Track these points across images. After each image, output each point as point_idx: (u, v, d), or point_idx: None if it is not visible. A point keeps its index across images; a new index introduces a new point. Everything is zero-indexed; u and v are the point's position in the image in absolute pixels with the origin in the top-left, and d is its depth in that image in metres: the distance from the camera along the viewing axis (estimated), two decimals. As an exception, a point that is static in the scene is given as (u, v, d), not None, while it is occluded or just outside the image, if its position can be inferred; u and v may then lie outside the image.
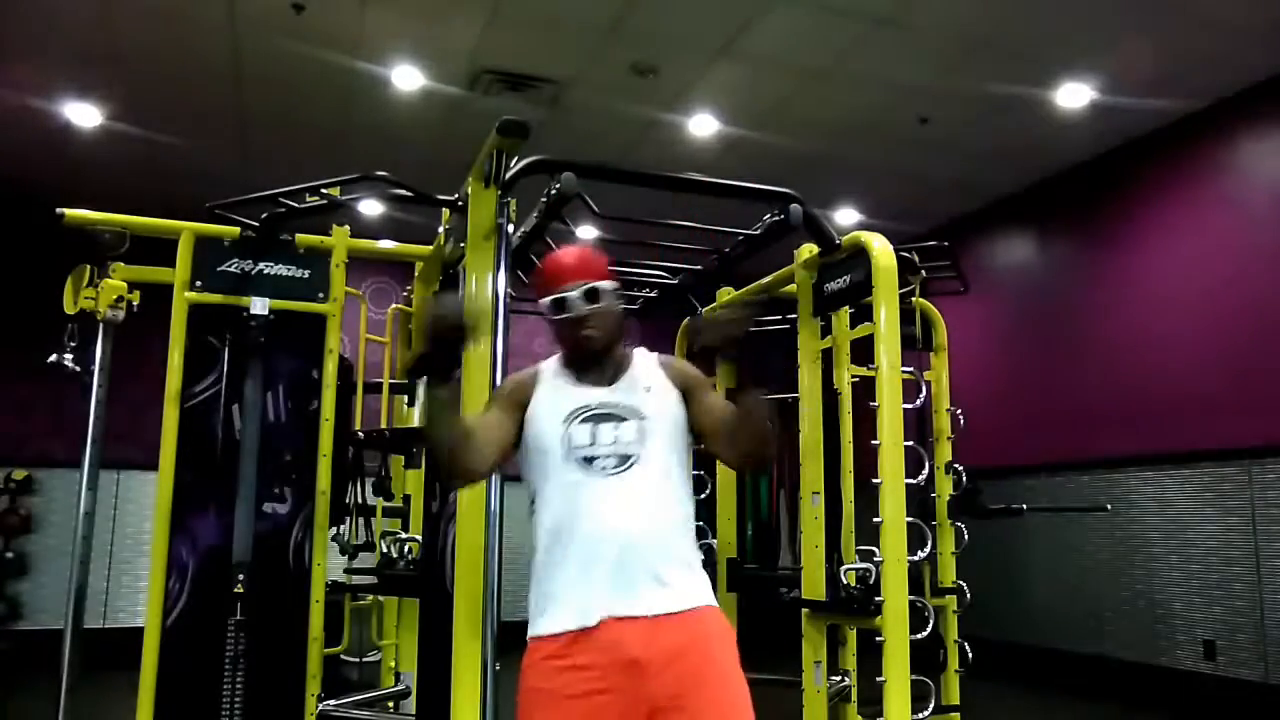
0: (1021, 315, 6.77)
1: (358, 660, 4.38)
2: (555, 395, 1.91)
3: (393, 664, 3.86)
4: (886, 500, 2.91)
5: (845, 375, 3.57)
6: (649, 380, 1.93)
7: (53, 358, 3.54)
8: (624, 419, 1.85)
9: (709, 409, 1.93)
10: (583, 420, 1.85)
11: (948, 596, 3.91)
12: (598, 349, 1.91)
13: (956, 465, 4.02)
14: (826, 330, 3.57)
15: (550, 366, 1.99)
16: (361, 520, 3.92)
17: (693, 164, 6.04)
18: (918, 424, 3.91)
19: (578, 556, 1.76)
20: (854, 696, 3.56)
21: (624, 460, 1.81)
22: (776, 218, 3.04)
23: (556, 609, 1.76)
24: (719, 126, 5.85)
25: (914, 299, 3.78)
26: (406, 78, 5.27)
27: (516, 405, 1.93)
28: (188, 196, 4.70)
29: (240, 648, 3.07)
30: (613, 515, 1.77)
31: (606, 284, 1.92)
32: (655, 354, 2.02)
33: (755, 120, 5.76)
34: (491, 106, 5.35)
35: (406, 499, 3.76)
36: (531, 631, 1.80)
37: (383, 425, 3.90)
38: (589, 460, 1.81)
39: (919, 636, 3.28)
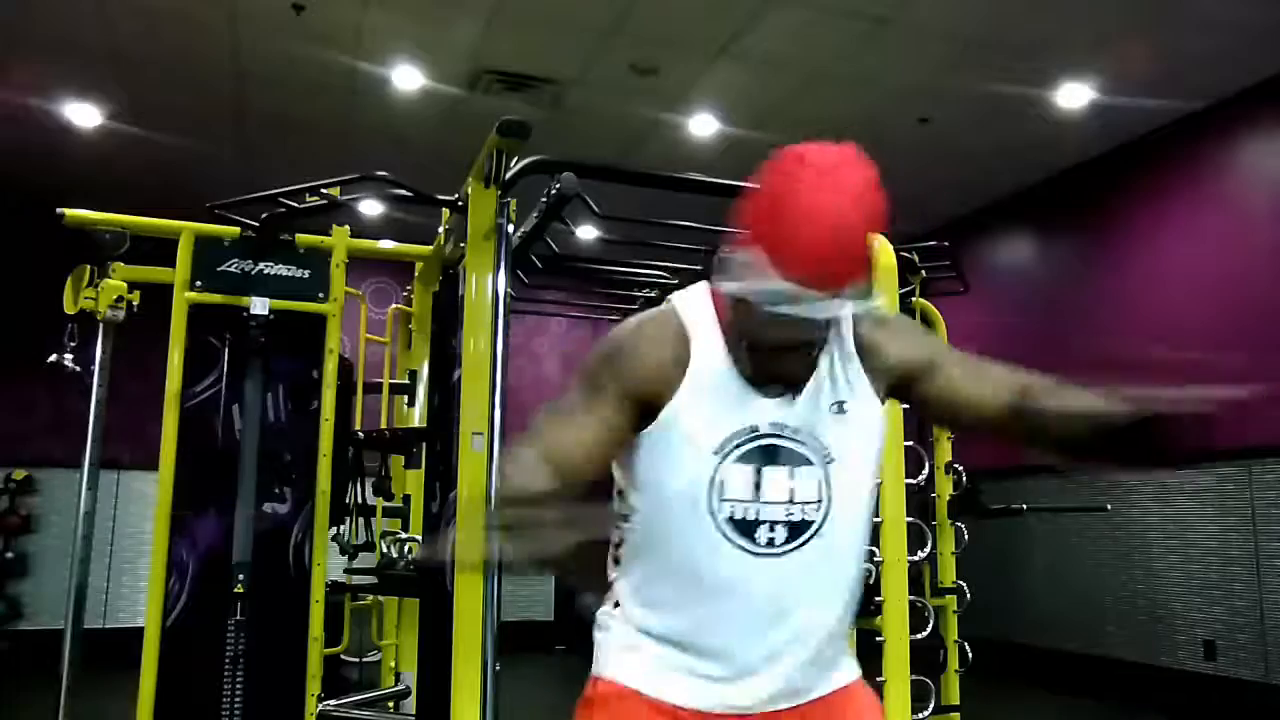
0: (1021, 315, 6.77)
1: (358, 660, 4.38)
2: (710, 402, 1.21)
3: (393, 664, 3.86)
4: (886, 500, 2.91)
5: (845, 375, 3.56)
6: (845, 386, 1.25)
7: (53, 358, 3.54)
8: (805, 462, 1.22)
9: (962, 384, 1.25)
10: (742, 456, 1.20)
11: (948, 596, 3.91)
12: (797, 380, 1.22)
13: (956, 465, 4.02)
14: (827, 330, 3.56)
15: (705, 336, 1.24)
16: (361, 520, 3.92)
17: (693, 164, 6.03)
18: (918, 424, 3.91)
19: (706, 638, 1.23)
20: (854, 696, 3.55)
21: (798, 532, 1.21)
22: (777, 218, 3.03)
23: (659, 667, 1.25)
24: (719, 126, 5.84)
25: (914, 299, 3.78)
26: (406, 78, 5.27)
27: (638, 403, 1.22)
28: (188, 196, 4.70)
29: (240, 648, 3.07)
30: (771, 610, 1.21)
31: (873, 296, 1.19)
32: (861, 321, 1.28)
33: (755, 120, 5.75)
34: (491, 106, 5.35)
35: (406, 499, 3.75)
36: (609, 671, 1.28)
37: (383, 425, 3.90)
38: (744, 527, 1.20)
39: (919, 636, 3.28)
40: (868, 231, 1.14)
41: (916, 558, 3.56)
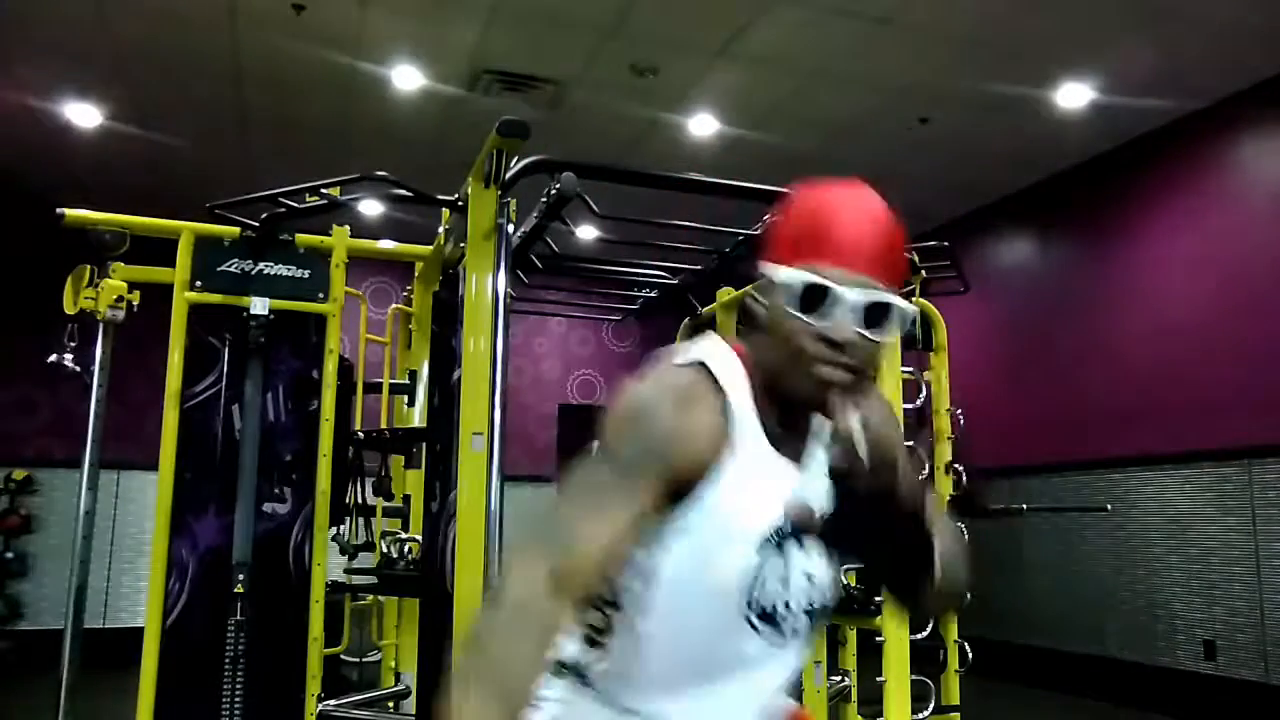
0: (1021, 315, 6.77)
1: (358, 660, 4.38)
2: (755, 479, 1.07)
3: (393, 664, 3.86)
4: (886, 500, 2.90)
5: (845, 375, 3.56)
6: (822, 450, 1.13)
7: (53, 358, 3.55)
8: (813, 541, 1.11)
9: (908, 503, 1.05)
10: (779, 542, 1.08)
11: (948, 596, 3.90)
12: (824, 409, 1.05)
13: (956, 465, 4.02)
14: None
15: (740, 400, 1.09)
16: (361, 520, 3.92)
17: (693, 164, 6.04)
18: (918, 424, 3.92)
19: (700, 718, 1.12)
20: (854, 696, 3.56)
21: (812, 618, 1.13)
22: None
23: None
24: (719, 126, 5.84)
25: (914, 299, 3.78)
26: (406, 78, 5.27)
27: (674, 485, 1.03)
28: (188, 196, 4.71)
29: (240, 648, 3.06)
30: (743, 700, 1.13)
31: (901, 302, 1.06)
32: (863, 411, 1.06)
33: (755, 120, 5.75)
34: (491, 106, 5.35)
35: (406, 499, 3.76)
36: None
37: (383, 425, 3.90)
38: (771, 618, 1.09)
39: (919, 636, 3.29)
40: (900, 245, 1.09)
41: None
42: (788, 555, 1.08)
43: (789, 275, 1.04)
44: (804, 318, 1.03)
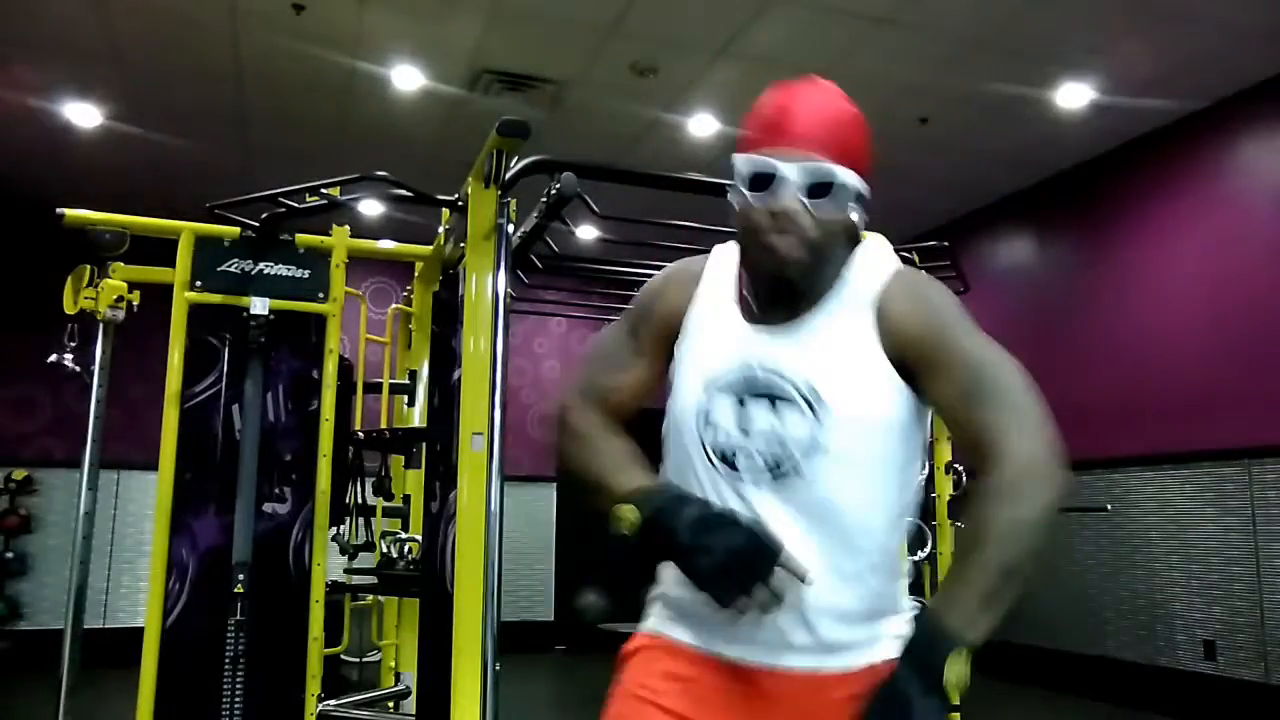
0: (1021, 315, 6.77)
1: (358, 660, 4.38)
2: (711, 332, 1.28)
3: (393, 664, 3.86)
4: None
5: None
6: (849, 336, 1.21)
7: (53, 358, 3.55)
8: (790, 400, 1.19)
9: (949, 411, 1.19)
10: (727, 387, 1.23)
11: (948, 596, 3.90)
12: (786, 278, 1.21)
13: (956, 465, 4.02)
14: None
15: (722, 267, 1.33)
16: (361, 520, 3.92)
17: (693, 164, 6.04)
18: (918, 424, 3.91)
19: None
20: (854, 696, 3.55)
21: (779, 469, 1.19)
22: (777, 218, 3.04)
23: (676, 611, 1.29)
24: (719, 126, 5.84)
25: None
26: (406, 78, 5.27)
27: (663, 340, 1.33)
28: (188, 196, 4.72)
29: (240, 648, 3.07)
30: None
31: (845, 174, 1.19)
32: (891, 266, 1.26)
33: (755, 120, 5.75)
34: (491, 106, 5.35)
35: (406, 499, 3.76)
36: (640, 626, 1.34)
37: (383, 425, 3.90)
38: (727, 456, 1.22)
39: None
40: (832, 124, 1.22)
41: (917, 558, 3.57)
42: (749, 408, 1.21)
43: (739, 160, 1.22)
44: (749, 196, 1.20)
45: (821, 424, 1.17)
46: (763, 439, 1.19)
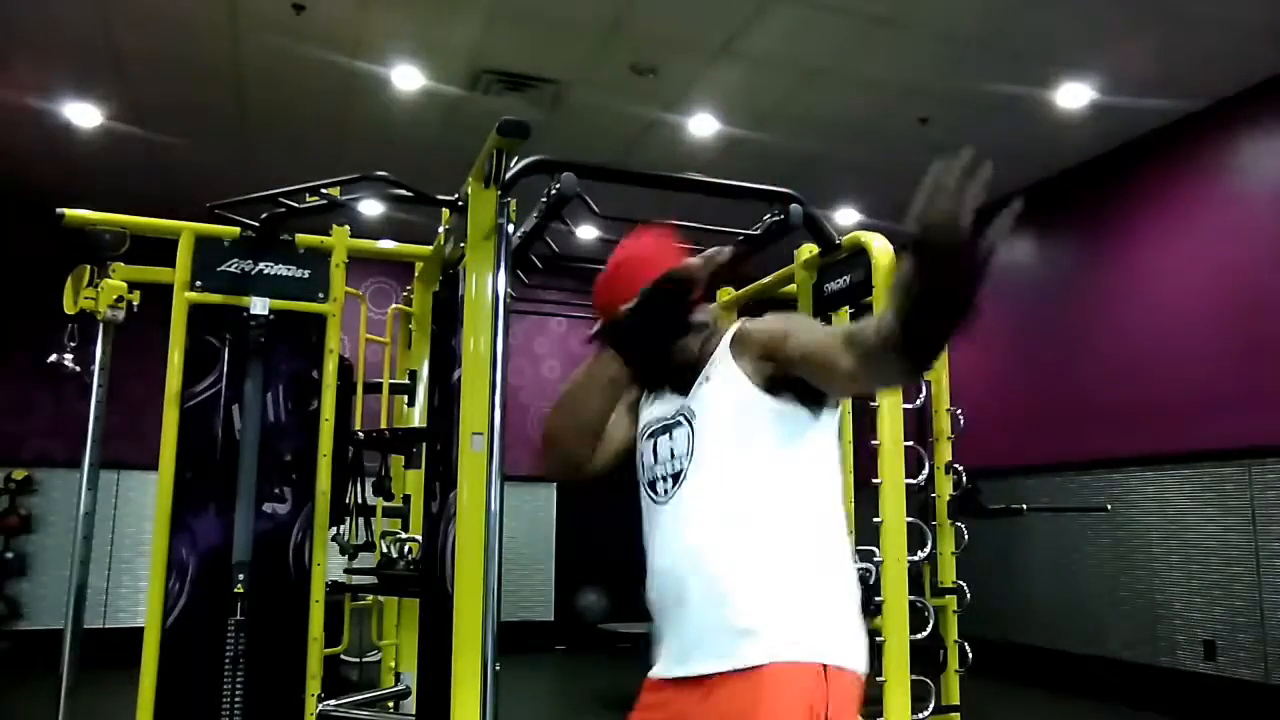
0: (1021, 315, 6.77)
1: (358, 660, 4.38)
2: (649, 402, 1.69)
3: (393, 664, 3.86)
4: (886, 500, 2.91)
5: (845, 375, 3.55)
6: (713, 372, 1.56)
7: (53, 358, 3.55)
8: (678, 425, 1.57)
9: (805, 349, 1.42)
10: (650, 434, 1.62)
11: (948, 596, 3.90)
12: (650, 371, 1.66)
13: (956, 465, 4.02)
14: (827, 330, 3.56)
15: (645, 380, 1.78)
16: (361, 520, 3.92)
17: (693, 164, 6.04)
18: (918, 424, 3.91)
19: (652, 601, 1.57)
20: (854, 696, 3.55)
21: (676, 479, 1.53)
22: (777, 218, 3.05)
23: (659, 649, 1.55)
24: (719, 126, 5.84)
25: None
26: (406, 78, 5.27)
27: (631, 406, 1.72)
28: (188, 196, 4.71)
29: (240, 648, 3.07)
30: (660, 554, 1.53)
31: (624, 306, 1.60)
32: (738, 325, 1.60)
33: (755, 120, 5.75)
34: (491, 106, 5.35)
35: (406, 499, 3.75)
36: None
37: (383, 425, 3.90)
38: (652, 485, 1.58)
39: (919, 636, 3.29)
40: (609, 285, 1.64)
41: (916, 558, 3.57)
42: (658, 442, 1.58)
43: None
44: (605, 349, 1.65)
45: (695, 428, 1.52)
46: (665, 464, 1.55)
